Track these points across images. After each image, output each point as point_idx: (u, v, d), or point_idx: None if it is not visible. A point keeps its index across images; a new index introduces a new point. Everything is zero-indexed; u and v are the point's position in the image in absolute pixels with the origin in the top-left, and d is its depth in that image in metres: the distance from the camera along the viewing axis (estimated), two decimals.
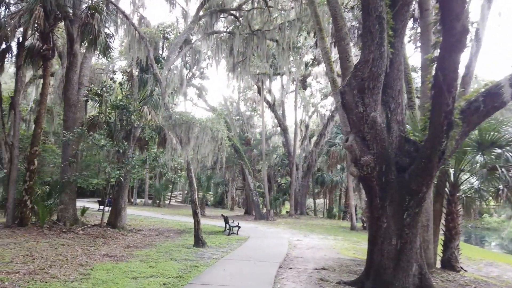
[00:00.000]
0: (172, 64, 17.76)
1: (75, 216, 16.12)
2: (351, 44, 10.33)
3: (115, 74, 16.16)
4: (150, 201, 41.64)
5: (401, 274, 6.87)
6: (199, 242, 12.79)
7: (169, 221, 23.04)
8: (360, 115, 6.80)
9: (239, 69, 28.39)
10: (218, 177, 38.03)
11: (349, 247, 15.79)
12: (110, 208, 29.79)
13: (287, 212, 39.14)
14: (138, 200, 42.77)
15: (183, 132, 12.30)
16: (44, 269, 8.15)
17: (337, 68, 17.18)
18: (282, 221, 27.73)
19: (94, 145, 14.71)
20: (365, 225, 24.82)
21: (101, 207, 28.75)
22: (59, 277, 7.54)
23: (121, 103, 15.72)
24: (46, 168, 19.77)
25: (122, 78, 17.24)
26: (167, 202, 44.63)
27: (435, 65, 6.10)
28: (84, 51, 18.98)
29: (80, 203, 26.87)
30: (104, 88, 14.94)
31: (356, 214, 38.76)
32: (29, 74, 25.18)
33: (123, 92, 16.23)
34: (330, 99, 42.16)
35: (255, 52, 25.88)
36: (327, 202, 41.98)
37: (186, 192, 48.06)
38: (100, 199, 28.89)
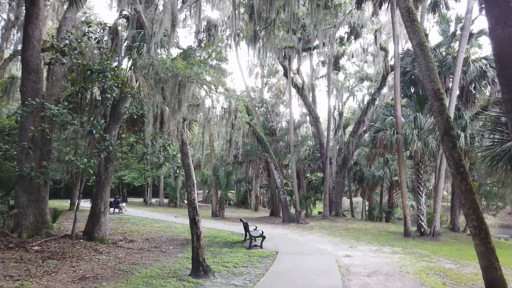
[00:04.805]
0: (171, 20, 13.08)
1: (38, 223, 11.58)
2: None
3: (90, 27, 11.50)
4: (166, 201, 37.41)
5: None
6: (199, 268, 7.94)
7: (178, 226, 18.49)
8: None
9: (261, 41, 23.49)
10: (239, 173, 33.00)
11: (424, 267, 10.82)
12: (119, 210, 26.19)
13: (319, 213, 33.92)
14: (153, 200, 38.90)
15: (171, 91, 7.54)
16: None
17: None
18: (316, 225, 22.71)
19: (54, 123, 10.20)
20: (423, 230, 19.34)
21: (111, 209, 24.60)
22: None
23: (99, 66, 11.14)
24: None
25: (102, 35, 12.67)
26: (185, 201, 40.29)
27: None
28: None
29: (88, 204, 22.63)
30: (68, 41, 10.42)
31: (393, 215, 33.46)
32: (8, 51, 21.22)
33: (103, 53, 11.66)
34: (366, 83, 36.65)
35: (280, 16, 20.80)
36: (367, 202, 36.26)
37: (207, 191, 43.08)
38: (112, 199, 24.69)
